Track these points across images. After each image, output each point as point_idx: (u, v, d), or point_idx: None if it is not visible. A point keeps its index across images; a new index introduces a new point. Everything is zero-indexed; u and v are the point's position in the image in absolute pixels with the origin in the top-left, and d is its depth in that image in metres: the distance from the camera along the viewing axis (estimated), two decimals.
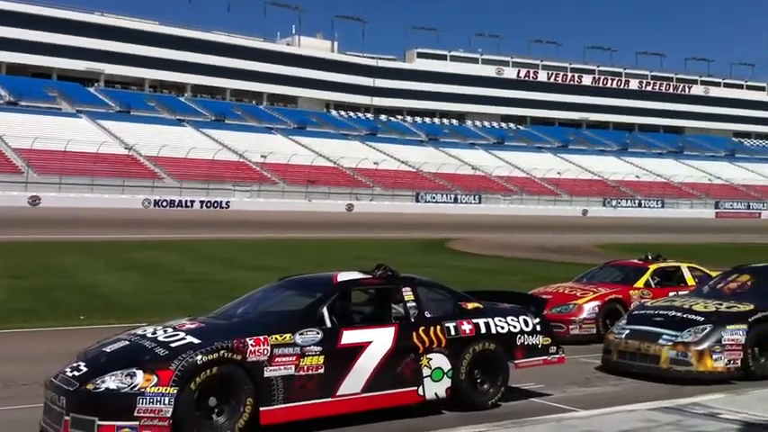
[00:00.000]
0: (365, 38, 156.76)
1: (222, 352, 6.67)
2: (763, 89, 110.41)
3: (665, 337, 9.73)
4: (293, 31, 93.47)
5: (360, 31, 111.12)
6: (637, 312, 10.78)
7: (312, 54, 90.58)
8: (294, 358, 6.98)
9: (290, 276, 8.82)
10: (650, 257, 14.27)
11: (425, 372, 7.68)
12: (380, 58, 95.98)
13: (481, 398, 7.99)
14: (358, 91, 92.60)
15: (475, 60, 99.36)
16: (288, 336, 7.03)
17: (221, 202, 61.21)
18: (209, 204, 60.43)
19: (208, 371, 6.57)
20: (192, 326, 7.22)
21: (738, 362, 9.52)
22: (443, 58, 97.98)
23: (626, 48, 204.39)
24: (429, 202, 71.07)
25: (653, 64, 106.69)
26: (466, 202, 72.83)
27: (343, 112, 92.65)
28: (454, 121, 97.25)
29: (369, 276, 8.12)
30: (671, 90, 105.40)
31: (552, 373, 9.16)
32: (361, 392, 7.32)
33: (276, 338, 6.96)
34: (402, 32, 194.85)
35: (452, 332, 7.90)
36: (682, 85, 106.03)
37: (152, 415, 6.29)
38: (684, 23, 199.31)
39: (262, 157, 70.03)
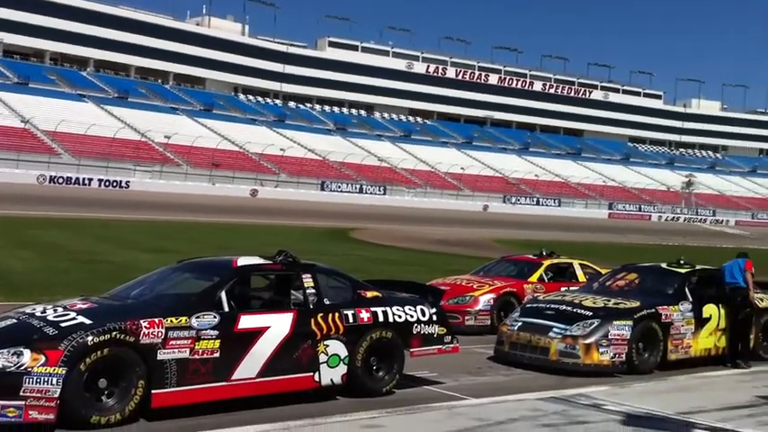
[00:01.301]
0: (277, 23, 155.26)
1: (114, 333, 6.54)
2: (659, 97, 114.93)
3: (555, 330, 10.06)
4: (204, 12, 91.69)
5: (272, 16, 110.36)
6: (529, 306, 11.10)
7: (222, 36, 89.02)
8: (189, 341, 6.91)
9: (189, 259, 8.71)
10: (544, 254, 14.72)
11: (322, 358, 7.73)
12: (291, 45, 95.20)
13: (376, 385, 8.10)
14: (267, 76, 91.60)
15: (386, 53, 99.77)
16: (184, 319, 6.95)
17: (121, 181, 59.46)
18: (107, 183, 58.60)
19: (99, 352, 6.43)
20: (84, 306, 7.05)
21: (623, 356, 9.92)
22: (355, 48, 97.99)
23: (532, 50, 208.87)
24: (334, 191, 71.04)
25: (557, 67, 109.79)
26: (371, 193, 73.16)
27: (251, 97, 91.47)
28: (363, 112, 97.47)
29: (269, 262, 8.10)
30: (572, 93, 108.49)
31: (447, 362, 9.35)
32: (257, 377, 7.31)
33: (171, 321, 6.87)
34: (314, 20, 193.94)
35: (350, 320, 7.97)
36: (583, 89, 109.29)
37: (39, 395, 6.13)
38: (588, 30, 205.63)
39: (165, 137, 68.43)
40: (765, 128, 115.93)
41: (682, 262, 11.79)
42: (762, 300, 11.63)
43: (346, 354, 7.87)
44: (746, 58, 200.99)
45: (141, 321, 6.72)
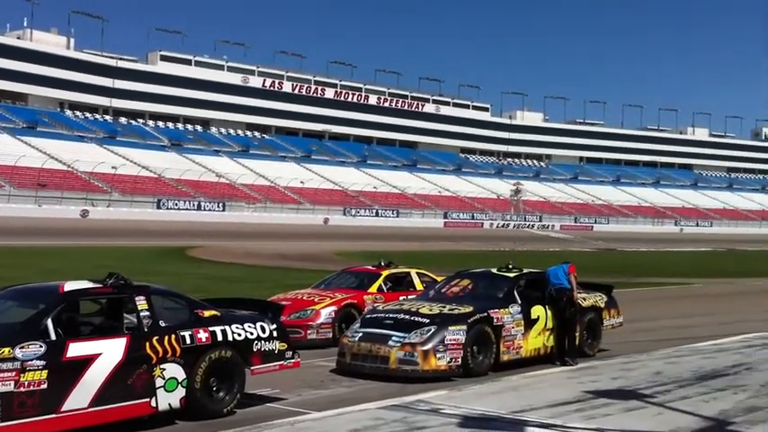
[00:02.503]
0: (105, 36, 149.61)
1: None
2: (487, 110, 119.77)
3: (394, 338, 10.28)
4: (25, 24, 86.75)
5: (99, 29, 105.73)
6: (369, 316, 11.26)
7: (45, 50, 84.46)
8: (14, 374, 6.52)
9: (12, 286, 8.23)
10: (383, 264, 15.01)
11: (159, 382, 7.51)
12: (121, 59, 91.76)
13: (216, 406, 7.96)
14: (96, 91, 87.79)
15: (220, 67, 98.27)
16: (6, 350, 6.56)
17: None
18: None
19: None
20: None
21: (459, 360, 10.27)
22: (188, 62, 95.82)
23: (366, 64, 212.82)
24: (171, 208, 69.00)
25: (390, 81, 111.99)
26: (209, 210, 71.67)
27: (79, 113, 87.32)
28: (199, 128, 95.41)
29: (99, 285, 7.79)
30: (406, 107, 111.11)
31: (289, 378, 9.34)
32: (89, 407, 7.00)
33: None
34: (145, 34, 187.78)
35: (188, 341, 7.80)
36: (416, 102, 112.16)
37: None
38: (419, 44, 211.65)
39: None
40: (584, 137, 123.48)
41: (510, 266, 12.37)
42: (584, 299, 12.40)
43: (184, 376, 7.68)
44: (565, 72, 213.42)
45: None
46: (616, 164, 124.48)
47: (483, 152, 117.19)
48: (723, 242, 72.37)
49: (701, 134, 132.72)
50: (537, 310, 11.55)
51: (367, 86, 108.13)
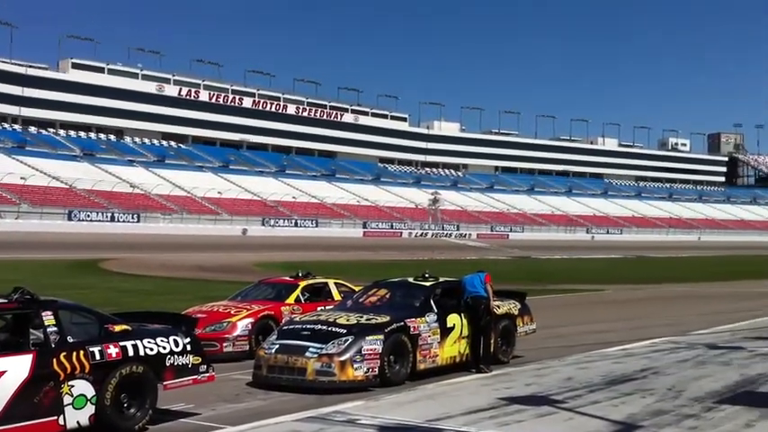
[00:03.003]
0: (14, 44, 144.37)
1: None
2: (405, 119, 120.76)
3: (311, 349, 10.24)
4: None
5: (8, 36, 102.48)
6: (286, 327, 11.19)
7: None
8: None
9: None
10: (301, 275, 14.95)
11: (67, 400, 7.29)
12: (30, 66, 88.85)
13: (127, 423, 7.77)
14: (4, 100, 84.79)
15: (134, 75, 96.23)
16: None
17: None
18: None
19: None
20: None
21: (376, 370, 10.30)
22: (101, 70, 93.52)
23: (285, 74, 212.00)
24: (83, 220, 67.11)
25: (309, 91, 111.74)
26: (124, 221, 70.01)
27: None
28: (112, 137, 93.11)
29: (4, 300, 7.53)
30: (325, 116, 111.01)
31: (203, 392, 9.20)
32: None
33: None
34: (56, 41, 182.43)
35: (97, 356, 7.60)
36: (335, 112, 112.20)
37: None
38: (337, 54, 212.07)
39: None
40: (500, 147, 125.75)
41: (427, 275, 12.49)
42: (499, 307, 12.61)
43: (93, 393, 7.48)
44: (481, 82, 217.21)
45: None
46: (530, 173, 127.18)
47: (401, 162, 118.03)
48: (632, 249, 74.69)
49: (611, 144, 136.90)
50: (453, 319, 11.69)
51: (285, 96, 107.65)
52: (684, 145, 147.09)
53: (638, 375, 10.68)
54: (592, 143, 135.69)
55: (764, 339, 14.57)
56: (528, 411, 8.40)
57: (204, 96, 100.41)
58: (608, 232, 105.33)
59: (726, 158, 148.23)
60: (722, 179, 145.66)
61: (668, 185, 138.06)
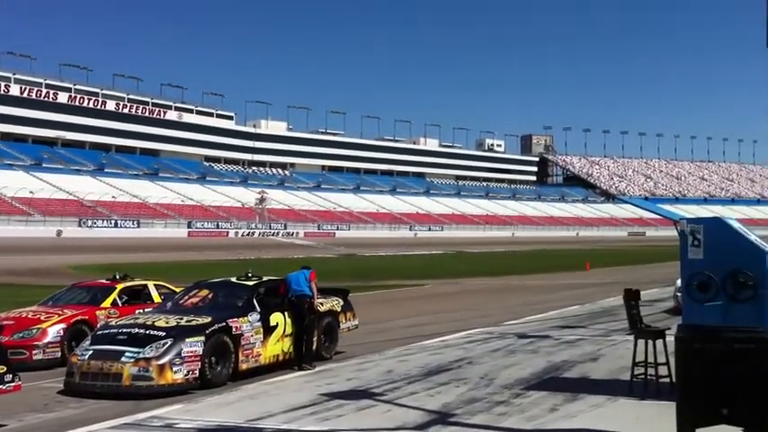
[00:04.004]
0: None
1: None
2: (231, 118, 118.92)
3: (127, 354, 9.91)
4: None
5: None
6: (101, 332, 10.79)
7: None
8: None
9: None
10: (118, 277, 14.43)
11: None
12: None
13: None
14: None
15: None
16: None
17: None
18: None
19: None
20: None
21: (197, 372, 10.12)
22: None
23: (103, 68, 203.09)
24: None
25: (130, 87, 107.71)
26: None
27: None
28: None
29: None
30: (147, 114, 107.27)
31: (10, 403, 8.70)
32: None
33: None
34: None
35: None
36: (157, 109, 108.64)
37: None
38: (159, 50, 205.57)
39: None
40: (326, 146, 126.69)
41: (249, 275, 12.42)
42: (322, 304, 12.75)
43: None
44: (307, 83, 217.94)
45: None
46: (356, 172, 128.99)
47: (228, 161, 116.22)
48: (452, 245, 77.55)
49: (432, 144, 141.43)
50: (276, 317, 11.69)
51: (104, 92, 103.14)
52: (500, 146, 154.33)
53: (453, 366, 11.14)
54: (414, 143, 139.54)
55: (570, 328, 15.62)
56: (348, 405, 8.56)
57: (15, 91, 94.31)
58: (430, 229, 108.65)
59: (537, 159, 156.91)
60: (534, 178, 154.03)
61: (485, 184, 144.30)
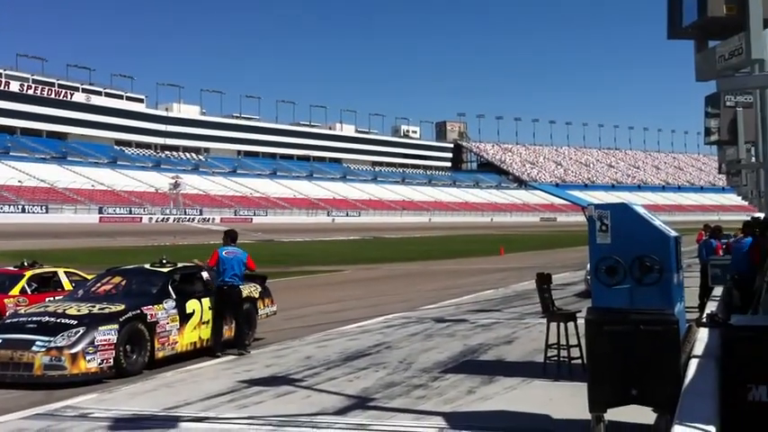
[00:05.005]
0: None
1: None
2: (141, 101, 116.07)
3: (38, 343, 9.65)
4: None
5: None
6: (9, 321, 10.49)
7: None
8: None
9: None
10: (26, 264, 14.00)
11: None
12: None
13: None
14: None
15: None
16: None
17: None
18: None
19: None
20: None
21: (111, 360, 9.92)
22: None
23: (6, 49, 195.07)
24: None
25: (35, 68, 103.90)
26: None
27: None
28: None
29: None
30: (53, 95, 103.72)
31: None
32: None
33: None
34: None
35: None
36: (64, 91, 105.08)
37: None
38: (65, 30, 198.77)
39: None
40: (242, 131, 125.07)
41: (164, 261, 12.21)
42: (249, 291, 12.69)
43: None
44: (220, 66, 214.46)
45: None
46: (272, 158, 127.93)
47: (140, 144, 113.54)
48: (370, 230, 77.83)
49: (349, 130, 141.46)
50: (193, 304, 11.54)
51: (7, 72, 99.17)
52: (415, 132, 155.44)
53: (372, 351, 11.24)
54: (331, 129, 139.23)
55: (485, 312, 15.94)
56: (268, 392, 8.55)
57: None
58: (347, 215, 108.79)
59: (451, 145, 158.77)
60: (449, 164, 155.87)
61: (401, 170, 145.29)
